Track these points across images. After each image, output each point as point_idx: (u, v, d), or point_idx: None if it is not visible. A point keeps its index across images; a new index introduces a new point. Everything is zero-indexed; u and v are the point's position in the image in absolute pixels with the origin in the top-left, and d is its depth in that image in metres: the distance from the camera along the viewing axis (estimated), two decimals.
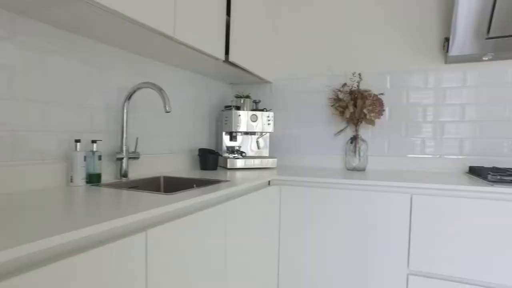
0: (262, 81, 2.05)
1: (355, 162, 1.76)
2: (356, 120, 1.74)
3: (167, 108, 1.24)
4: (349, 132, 1.87)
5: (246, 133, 1.88)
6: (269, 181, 1.54)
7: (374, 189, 1.38)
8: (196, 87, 1.86)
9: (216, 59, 1.53)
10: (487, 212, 1.25)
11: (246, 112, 1.81)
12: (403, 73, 1.82)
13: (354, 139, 1.76)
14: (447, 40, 1.69)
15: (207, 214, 1.02)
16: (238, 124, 1.78)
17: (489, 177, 1.34)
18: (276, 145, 2.06)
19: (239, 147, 1.85)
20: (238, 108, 1.85)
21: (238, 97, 1.88)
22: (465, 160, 1.73)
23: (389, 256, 1.36)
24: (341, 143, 1.91)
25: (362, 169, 1.76)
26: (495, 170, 1.45)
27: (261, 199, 1.39)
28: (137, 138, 1.42)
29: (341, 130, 1.87)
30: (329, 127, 1.94)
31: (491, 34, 1.56)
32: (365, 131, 1.86)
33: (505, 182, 1.30)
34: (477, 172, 1.51)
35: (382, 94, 1.79)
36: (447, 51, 1.67)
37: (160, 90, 1.25)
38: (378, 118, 1.73)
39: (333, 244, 1.44)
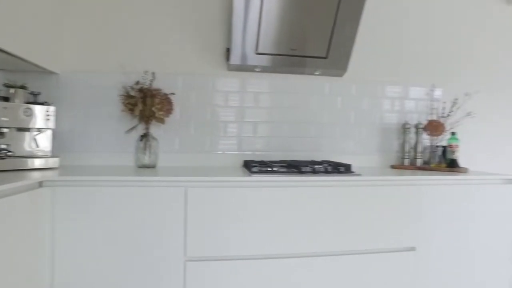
0: (45, 71, 1.81)
1: (145, 160, 1.78)
2: (146, 117, 1.76)
3: None
4: (142, 130, 1.87)
5: (20, 129, 1.62)
6: (40, 183, 1.37)
7: (152, 184, 1.43)
8: None
9: None
10: (248, 197, 1.48)
11: (16, 104, 1.56)
12: (193, 75, 1.97)
13: (144, 136, 1.78)
14: (228, 50, 1.93)
15: None
16: (4, 118, 1.52)
17: (253, 169, 1.61)
18: (62, 143, 1.86)
19: (7, 145, 1.57)
20: (6, 99, 1.58)
21: (7, 86, 1.60)
22: (243, 155, 2.01)
23: (167, 247, 1.44)
24: (134, 141, 1.89)
25: (152, 166, 1.80)
26: (261, 163, 1.73)
27: (23, 204, 1.22)
28: None
29: (133, 128, 1.86)
30: (122, 125, 1.89)
31: (259, 51, 1.87)
32: (157, 129, 1.90)
33: (263, 172, 1.58)
34: (246, 165, 1.78)
35: (172, 93, 1.87)
36: (228, 60, 1.90)
37: None
38: (167, 116, 1.81)
39: (114, 242, 1.41)
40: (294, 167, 1.64)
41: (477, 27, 2.32)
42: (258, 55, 1.88)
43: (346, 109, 2.13)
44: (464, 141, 2.23)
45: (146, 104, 1.73)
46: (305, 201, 1.54)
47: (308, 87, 2.09)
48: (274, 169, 1.60)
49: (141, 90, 1.75)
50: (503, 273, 1.80)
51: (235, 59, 1.87)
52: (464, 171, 1.93)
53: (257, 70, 1.98)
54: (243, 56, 1.86)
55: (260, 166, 1.62)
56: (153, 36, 1.94)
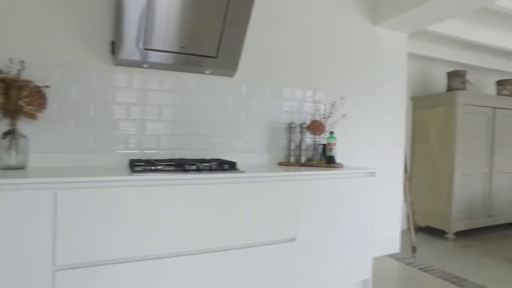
0: None
1: (11, 160, 1.57)
2: (12, 112, 1.56)
3: None
4: (6, 126, 1.65)
5: None
6: None
7: (13, 188, 1.27)
8: None
9: None
10: (127, 197, 1.43)
11: None
12: (74, 68, 1.81)
13: (9, 133, 1.58)
14: (113, 43, 1.82)
15: None
16: None
17: (136, 168, 1.55)
18: None
19: None
20: None
21: None
22: (131, 154, 1.93)
23: (32, 257, 1.29)
24: None
25: (20, 167, 1.60)
26: (146, 162, 1.67)
27: None
28: None
29: None
30: None
31: (147, 46, 1.81)
32: (29, 125, 1.70)
33: (146, 171, 1.54)
34: (131, 164, 1.71)
35: (47, 86, 1.69)
36: (114, 54, 1.79)
37: None
38: (40, 111, 1.63)
39: None
40: (180, 165, 1.63)
41: (348, 41, 2.62)
42: (146, 51, 1.82)
43: (237, 109, 2.20)
44: (341, 139, 2.50)
45: (10, 97, 1.53)
46: (190, 199, 1.54)
47: (199, 86, 2.10)
48: (159, 167, 1.57)
49: (3, 80, 1.54)
50: (367, 253, 2.08)
51: (121, 53, 1.77)
52: (339, 166, 2.17)
53: (145, 66, 1.91)
54: (130, 51, 1.78)
55: (145, 165, 1.57)
56: (22, 18, 1.72)
